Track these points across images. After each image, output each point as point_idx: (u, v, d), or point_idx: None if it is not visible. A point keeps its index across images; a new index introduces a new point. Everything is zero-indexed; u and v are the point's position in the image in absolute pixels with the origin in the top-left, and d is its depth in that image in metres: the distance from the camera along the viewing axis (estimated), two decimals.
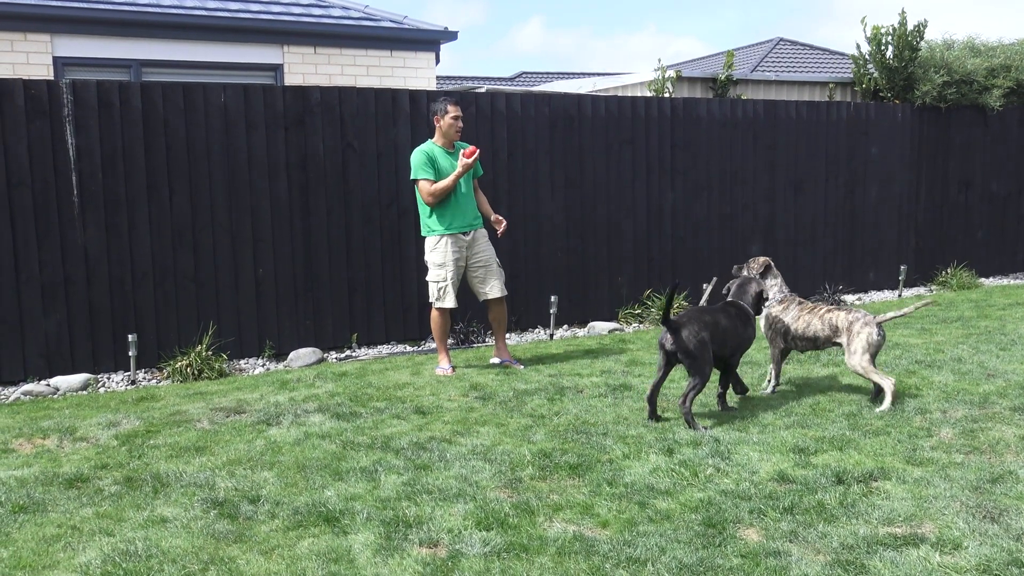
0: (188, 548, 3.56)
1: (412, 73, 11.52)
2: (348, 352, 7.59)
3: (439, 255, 6.52)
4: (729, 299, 5.53)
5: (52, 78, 9.41)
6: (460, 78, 26.33)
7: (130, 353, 6.72)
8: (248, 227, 7.23)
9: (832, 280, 10.06)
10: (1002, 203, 11.31)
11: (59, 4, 9.87)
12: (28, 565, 3.44)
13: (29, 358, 6.63)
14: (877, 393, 5.43)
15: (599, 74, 23.01)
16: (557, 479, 4.26)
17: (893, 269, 10.44)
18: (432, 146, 6.52)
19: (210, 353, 6.92)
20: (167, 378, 6.75)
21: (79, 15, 9.94)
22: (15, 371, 6.60)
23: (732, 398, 5.54)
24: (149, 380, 6.78)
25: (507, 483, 4.20)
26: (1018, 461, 4.33)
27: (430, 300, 6.65)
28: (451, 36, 11.87)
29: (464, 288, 6.78)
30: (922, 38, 10.60)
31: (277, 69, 10.91)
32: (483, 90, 8.85)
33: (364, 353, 7.58)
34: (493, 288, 6.67)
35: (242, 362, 7.23)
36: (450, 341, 7.39)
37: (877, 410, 5.20)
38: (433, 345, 7.42)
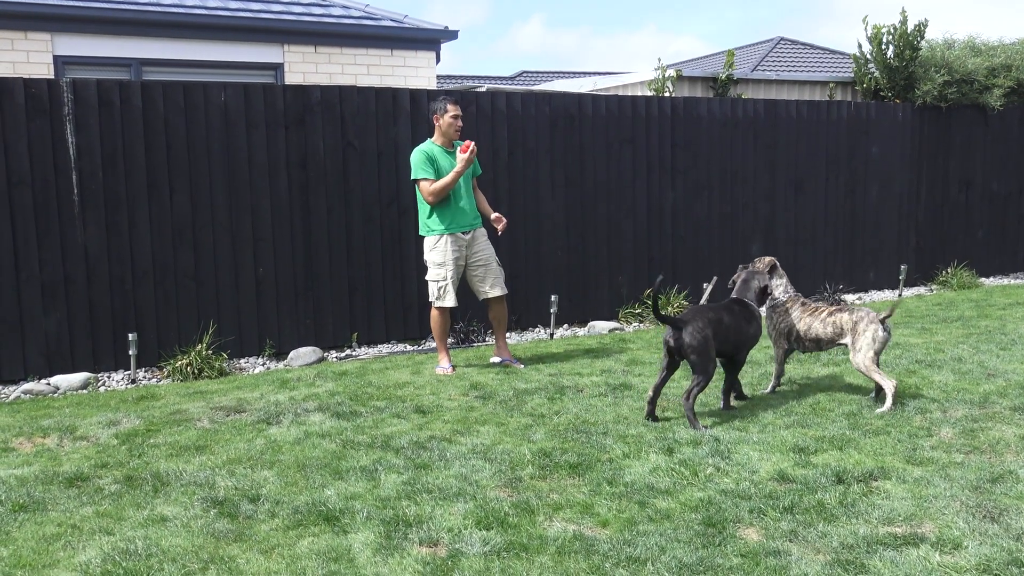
0: (188, 547, 3.56)
1: (413, 72, 11.52)
2: (348, 351, 7.59)
3: (438, 254, 6.52)
4: (733, 295, 5.54)
5: (52, 77, 9.42)
6: (461, 77, 26.34)
7: (130, 352, 6.73)
8: (248, 226, 7.23)
9: (832, 279, 10.06)
10: (1003, 203, 11.31)
11: (60, 3, 9.86)
12: (28, 564, 3.45)
13: (29, 357, 6.63)
14: (878, 393, 5.43)
15: (599, 73, 23.02)
16: (557, 478, 4.26)
17: (893, 269, 10.44)
18: (431, 145, 6.52)
19: (210, 352, 6.92)
20: (167, 377, 6.75)
21: (79, 14, 9.94)
22: (15, 370, 6.60)
23: (754, 388, 5.53)
24: (149, 379, 6.78)
25: (507, 482, 4.20)
26: (1018, 461, 4.33)
27: (430, 299, 6.65)
28: (451, 35, 11.87)
29: (464, 287, 6.78)
30: (923, 37, 10.59)
31: (277, 68, 10.91)
32: (483, 89, 8.84)
33: (364, 352, 7.58)
34: (493, 287, 6.67)
35: (242, 361, 7.23)
36: (450, 340, 7.39)
37: (877, 411, 5.20)
38: (433, 344, 7.41)
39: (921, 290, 10.54)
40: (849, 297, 10.05)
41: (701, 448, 4.58)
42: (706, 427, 4.96)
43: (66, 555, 3.51)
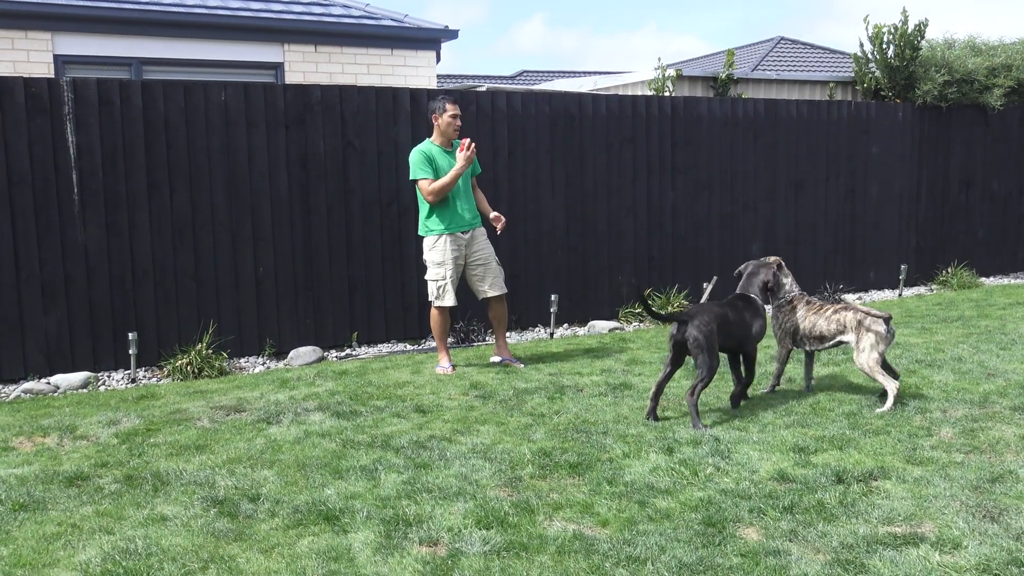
0: (188, 546, 3.56)
1: (413, 72, 11.52)
2: (348, 351, 7.59)
3: (437, 254, 6.52)
4: (738, 289, 5.54)
5: (53, 76, 9.39)
6: (461, 77, 26.34)
7: (130, 351, 6.73)
8: (248, 225, 7.23)
9: (832, 279, 10.06)
10: (1003, 202, 11.31)
11: (60, 2, 9.86)
12: (28, 563, 3.45)
13: (29, 356, 6.63)
14: (883, 393, 5.42)
15: (600, 73, 23.01)
16: (557, 478, 4.26)
17: (894, 268, 10.44)
18: (430, 145, 6.52)
19: (210, 351, 6.92)
20: (167, 376, 6.75)
21: (80, 13, 9.94)
22: (15, 369, 6.60)
23: (754, 388, 5.54)
24: (149, 378, 6.78)
25: (507, 482, 4.20)
26: (1018, 461, 4.33)
27: (429, 299, 6.65)
28: (452, 35, 11.87)
29: (464, 287, 6.78)
30: (923, 37, 10.59)
31: (278, 67, 10.91)
32: (484, 89, 8.84)
33: (364, 352, 7.58)
34: (493, 286, 6.67)
35: (242, 360, 7.24)
36: (450, 340, 7.39)
37: (877, 410, 5.20)
38: (433, 344, 7.41)
39: (921, 290, 10.54)
40: (849, 297, 10.05)
41: (701, 448, 4.58)
42: (706, 426, 4.96)
43: (66, 554, 3.51)
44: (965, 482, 4.04)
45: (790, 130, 9.71)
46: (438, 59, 11.94)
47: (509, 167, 8.18)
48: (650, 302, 8.77)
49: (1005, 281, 11.05)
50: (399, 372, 6.59)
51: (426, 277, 6.67)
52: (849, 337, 5.40)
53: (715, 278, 8.58)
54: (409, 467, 4.41)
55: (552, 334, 8.21)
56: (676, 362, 5.18)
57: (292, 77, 10.78)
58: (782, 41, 26.58)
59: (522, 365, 6.70)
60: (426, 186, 6.39)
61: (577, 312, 8.64)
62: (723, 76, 10.95)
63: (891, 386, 5.24)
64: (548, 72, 29.95)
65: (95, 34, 10.05)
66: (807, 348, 5.65)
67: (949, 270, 10.74)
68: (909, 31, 10.52)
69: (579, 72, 28.75)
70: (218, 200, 7.11)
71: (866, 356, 5.30)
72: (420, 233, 6.65)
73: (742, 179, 9.46)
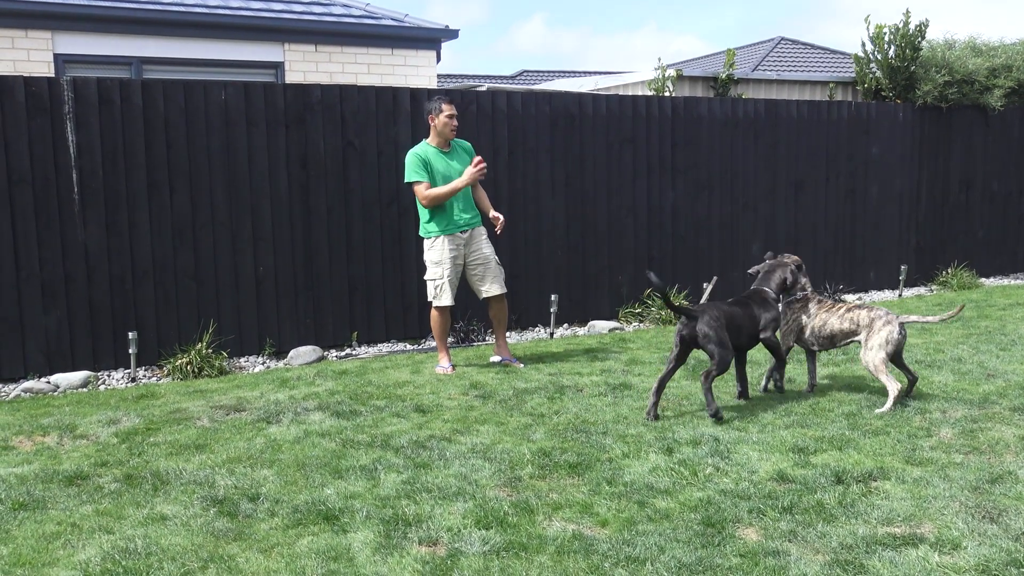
0: (188, 546, 3.56)
1: (413, 71, 11.52)
2: (348, 350, 7.59)
3: (436, 253, 6.52)
4: (754, 286, 5.57)
5: (53, 75, 9.42)
6: (461, 76, 26.34)
7: (130, 351, 6.73)
8: (248, 225, 7.23)
9: (833, 279, 10.06)
10: (1003, 203, 11.31)
11: (60, 1, 9.87)
12: (28, 562, 3.45)
13: (29, 355, 6.63)
14: (910, 390, 5.45)
15: (600, 73, 23.01)
16: (556, 478, 4.26)
17: (894, 268, 10.44)
18: (426, 147, 6.51)
19: (210, 351, 6.92)
20: (167, 376, 6.75)
21: (80, 12, 9.94)
22: (15, 368, 6.60)
23: (753, 388, 5.62)
24: (149, 378, 6.78)
25: (506, 482, 4.20)
26: (1018, 461, 4.33)
27: (429, 299, 6.65)
28: (452, 34, 11.87)
29: (464, 286, 6.78)
30: (924, 37, 10.60)
31: (278, 67, 10.91)
32: (484, 88, 8.85)
33: (364, 351, 7.58)
34: (492, 286, 6.67)
35: (242, 360, 7.24)
36: (450, 340, 7.39)
37: (877, 411, 5.20)
38: (433, 343, 7.42)
39: (921, 290, 10.54)
40: (849, 297, 10.05)
41: (701, 448, 4.59)
42: (719, 408, 5.06)
43: (66, 553, 3.52)
44: (964, 483, 4.04)
45: (790, 130, 9.71)
46: (438, 59, 11.95)
47: (509, 167, 8.18)
48: (650, 302, 8.78)
49: (1005, 282, 11.05)
50: (399, 372, 6.59)
51: (425, 277, 6.67)
52: (860, 335, 5.41)
53: (715, 278, 8.57)
54: (409, 467, 4.41)
55: (552, 334, 8.22)
56: (680, 358, 5.20)
57: (292, 77, 10.78)
58: (782, 41, 26.57)
59: (522, 365, 6.70)
60: (421, 190, 6.39)
61: (577, 312, 8.64)
62: (723, 76, 10.95)
63: (893, 388, 5.24)
64: (548, 72, 29.95)
65: (95, 33, 10.05)
66: (814, 348, 5.65)
67: (949, 270, 10.74)
68: (910, 31, 10.53)
69: (579, 72, 28.75)
70: (218, 200, 7.11)
71: (873, 355, 5.30)
72: (420, 234, 6.66)
73: (742, 179, 9.46)
